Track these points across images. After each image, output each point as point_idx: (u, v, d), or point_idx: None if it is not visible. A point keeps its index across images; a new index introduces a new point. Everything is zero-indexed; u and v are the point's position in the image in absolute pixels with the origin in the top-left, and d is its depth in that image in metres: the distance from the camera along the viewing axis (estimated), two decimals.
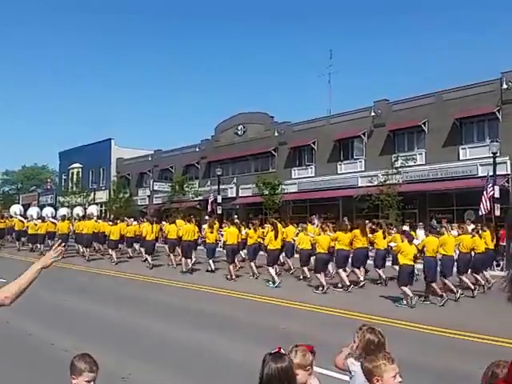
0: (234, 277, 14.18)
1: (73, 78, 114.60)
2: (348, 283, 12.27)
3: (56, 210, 35.83)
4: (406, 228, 16.49)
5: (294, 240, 15.16)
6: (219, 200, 31.89)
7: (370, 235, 13.92)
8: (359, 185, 27.81)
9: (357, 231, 13.24)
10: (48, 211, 30.30)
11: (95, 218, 24.32)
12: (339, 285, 12.56)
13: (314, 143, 30.86)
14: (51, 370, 5.73)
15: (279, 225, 14.96)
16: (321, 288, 12.00)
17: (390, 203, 24.28)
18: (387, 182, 24.80)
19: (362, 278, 12.87)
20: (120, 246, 20.46)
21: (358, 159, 29.09)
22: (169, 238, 17.83)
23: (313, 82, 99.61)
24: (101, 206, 44.30)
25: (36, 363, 6.33)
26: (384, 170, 25.42)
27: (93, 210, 31.81)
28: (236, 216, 30.11)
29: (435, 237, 11.54)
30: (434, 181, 24.95)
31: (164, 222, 22.37)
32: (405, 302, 10.30)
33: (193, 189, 36.33)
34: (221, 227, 20.35)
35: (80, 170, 49.21)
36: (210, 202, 32.56)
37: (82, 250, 20.62)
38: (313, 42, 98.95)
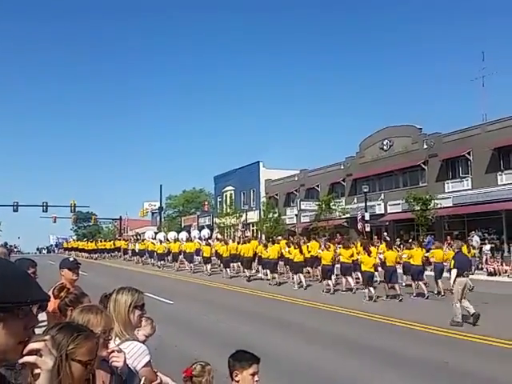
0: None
1: (225, 109, 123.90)
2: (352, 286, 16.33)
3: (212, 230, 39.05)
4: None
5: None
6: (367, 217, 31.41)
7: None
8: None
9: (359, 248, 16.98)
10: (172, 235, 32.90)
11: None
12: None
13: (469, 153, 28.74)
14: None
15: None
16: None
17: None
18: None
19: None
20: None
21: None
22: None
23: (462, 88, 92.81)
24: (252, 226, 46.74)
25: None
26: None
27: (204, 233, 33.46)
28: (386, 233, 29.43)
29: None
30: None
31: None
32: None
33: (339, 207, 36.39)
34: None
35: (232, 192, 52.46)
36: (358, 219, 32.24)
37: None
38: (460, 46, 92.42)
